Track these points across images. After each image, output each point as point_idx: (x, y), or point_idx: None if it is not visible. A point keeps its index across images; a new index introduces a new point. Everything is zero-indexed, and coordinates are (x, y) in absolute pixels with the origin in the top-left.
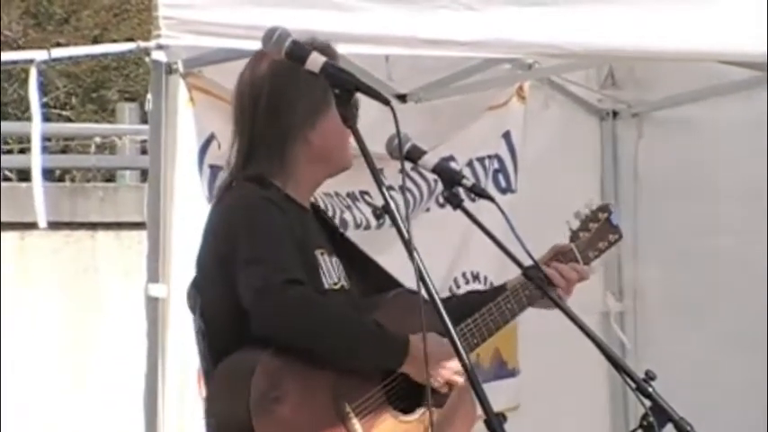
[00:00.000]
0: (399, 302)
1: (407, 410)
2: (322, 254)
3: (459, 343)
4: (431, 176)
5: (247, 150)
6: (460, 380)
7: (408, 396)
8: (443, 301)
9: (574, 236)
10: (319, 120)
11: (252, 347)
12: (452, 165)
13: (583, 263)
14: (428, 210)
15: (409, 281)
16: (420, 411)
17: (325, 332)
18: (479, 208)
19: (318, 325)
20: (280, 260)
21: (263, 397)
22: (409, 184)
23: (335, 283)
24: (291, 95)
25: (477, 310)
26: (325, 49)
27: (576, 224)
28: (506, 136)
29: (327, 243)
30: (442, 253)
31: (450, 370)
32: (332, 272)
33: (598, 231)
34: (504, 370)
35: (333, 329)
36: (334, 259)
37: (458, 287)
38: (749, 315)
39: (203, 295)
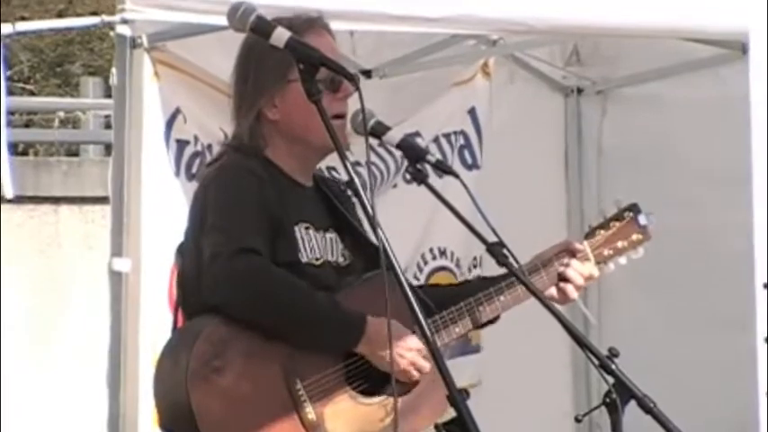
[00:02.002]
0: (374, 283)
1: (369, 393)
2: (306, 228)
3: (423, 321)
4: (398, 152)
5: (234, 123)
6: (425, 364)
7: (372, 377)
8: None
9: (589, 233)
10: (277, 96)
11: (206, 315)
12: (418, 141)
13: (595, 261)
14: (395, 186)
15: None
16: (383, 395)
17: (270, 304)
18: (446, 184)
19: (264, 296)
20: (239, 229)
21: (204, 366)
22: (376, 159)
23: (317, 259)
24: (246, 72)
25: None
26: (306, 22)
27: (597, 221)
28: (472, 112)
29: (324, 219)
30: (410, 229)
31: (412, 352)
32: (315, 247)
33: (620, 230)
34: (468, 346)
35: (279, 302)
36: (330, 235)
37: (425, 263)
38: (712, 291)
39: (182, 262)
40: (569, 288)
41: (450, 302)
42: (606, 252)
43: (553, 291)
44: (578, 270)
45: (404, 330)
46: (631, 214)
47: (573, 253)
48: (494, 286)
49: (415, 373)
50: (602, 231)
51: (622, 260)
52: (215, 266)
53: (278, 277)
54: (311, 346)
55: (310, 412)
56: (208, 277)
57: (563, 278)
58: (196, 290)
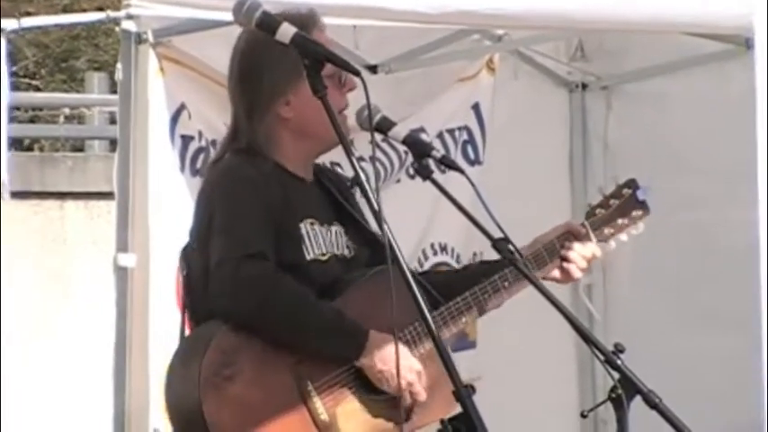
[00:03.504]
0: (379, 279)
1: (379, 391)
2: (312, 224)
3: (429, 317)
4: (402, 148)
5: (234, 123)
6: (420, 390)
7: None
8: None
9: (589, 212)
10: (291, 93)
11: (214, 322)
12: (422, 136)
13: (597, 240)
14: (399, 181)
15: None
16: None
17: (274, 313)
18: (449, 179)
19: (267, 305)
20: (245, 233)
21: (215, 374)
22: (380, 155)
23: (323, 254)
24: (259, 68)
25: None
26: (310, 18)
27: (596, 200)
28: (475, 108)
29: (327, 213)
30: (412, 224)
31: (412, 374)
32: (321, 242)
33: (619, 207)
34: (464, 341)
35: (282, 311)
36: (334, 228)
37: (426, 258)
38: (717, 287)
39: (187, 266)
40: (572, 268)
41: (455, 289)
42: (607, 230)
43: (556, 273)
44: (581, 252)
45: (405, 349)
46: (629, 190)
47: (574, 234)
48: (498, 274)
49: (409, 398)
50: (602, 210)
51: (623, 237)
52: (221, 273)
53: (283, 286)
54: (314, 355)
55: (322, 412)
56: (214, 284)
57: (565, 259)
58: (203, 295)
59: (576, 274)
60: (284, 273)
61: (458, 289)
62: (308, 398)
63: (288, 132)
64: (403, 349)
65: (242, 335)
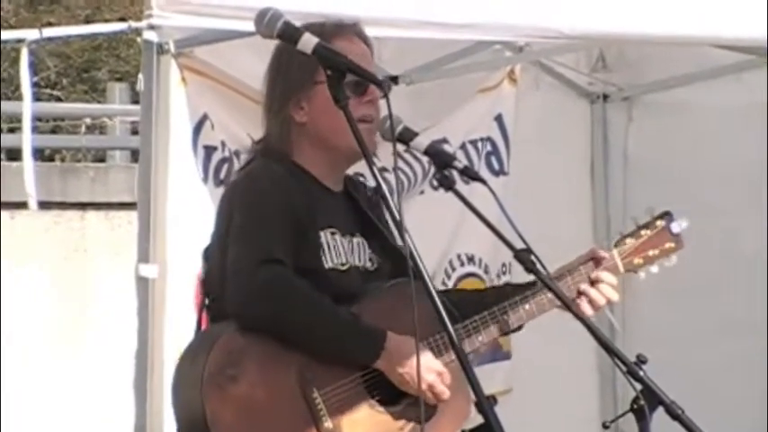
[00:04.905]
0: (400, 290)
1: (387, 402)
2: (333, 234)
3: (450, 327)
4: (425, 159)
5: (264, 128)
6: (444, 390)
7: (390, 386)
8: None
9: (619, 241)
10: (303, 98)
11: (225, 322)
12: (445, 147)
13: (624, 270)
14: (422, 192)
15: None
16: (404, 403)
17: (290, 319)
18: (473, 190)
19: (284, 311)
20: (263, 238)
21: (218, 374)
22: (403, 165)
23: (343, 264)
24: (275, 75)
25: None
26: (335, 28)
27: (628, 229)
28: (498, 119)
29: (351, 224)
30: (437, 235)
31: (433, 374)
32: (342, 252)
33: (651, 239)
34: (498, 353)
35: (299, 317)
36: (357, 240)
37: (453, 269)
38: (739, 298)
39: (207, 265)
40: (584, 305)
41: (473, 309)
42: (636, 260)
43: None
44: (603, 292)
45: (426, 350)
46: (664, 223)
47: (598, 260)
48: (519, 294)
49: (432, 398)
50: (632, 240)
51: (654, 269)
52: (237, 278)
53: (299, 292)
54: (330, 359)
55: (327, 422)
56: (230, 288)
57: (586, 296)
58: (220, 294)
59: (588, 311)
60: (301, 278)
61: (479, 308)
62: (313, 406)
63: (307, 140)
64: (426, 350)
65: (250, 336)
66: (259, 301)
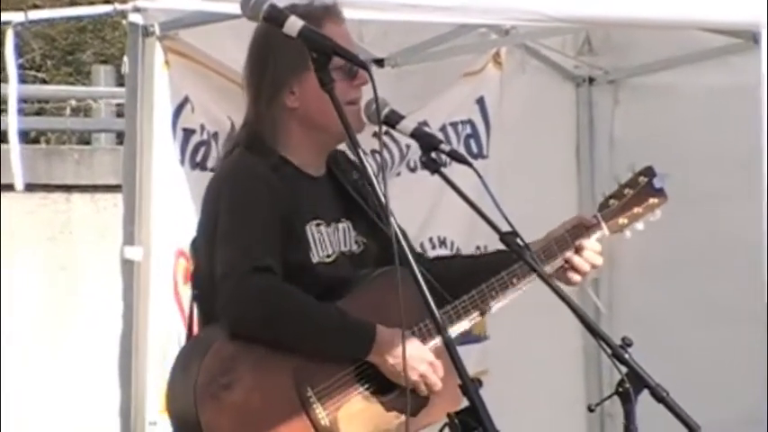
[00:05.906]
0: (387, 279)
1: (382, 391)
2: (318, 225)
3: (437, 314)
4: (403, 141)
5: (246, 116)
6: (436, 381)
7: (382, 377)
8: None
9: (603, 203)
10: (295, 83)
11: (217, 326)
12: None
13: (610, 231)
14: (399, 174)
15: None
16: (398, 392)
17: (280, 326)
18: (452, 174)
19: (273, 319)
20: (251, 244)
21: (212, 382)
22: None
23: (329, 255)
24: (265, 57)
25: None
26: (321, 11)
27: (610, 189)
28: (480, 101)
29: (335, 210)
30: (411, 217)
31: (425, 365)
32: (327, 243)
33: (635, 197)
34: (469, 336)
35: (289, 324)
36: (342, 225)
37: (424, 252)
38: (724, 281)
39: (196, 260)
40: (573, 277)
41: (462, 281)
42: (621, 221)
43: (570, 274)
44: (588, 259)
45: (416, 341)
46: (646, 178)
47: (585, 226)
48: (506, 270)
49: (425, 389)
50: (615, 201)
51: (639, 226)
52: (227, 286)
53: (289, 300)
54: (324, 359)
55: (323, 417)
56: (220, 295)
57: (570, 264)
58: (211, 294)
59: (575, 279)
60: (291, 278)
61: (472, 278)
62: (308, 404)
63: (296, 123)
64: (416, 341)
65: (241, 342)
66: (250, 309)
